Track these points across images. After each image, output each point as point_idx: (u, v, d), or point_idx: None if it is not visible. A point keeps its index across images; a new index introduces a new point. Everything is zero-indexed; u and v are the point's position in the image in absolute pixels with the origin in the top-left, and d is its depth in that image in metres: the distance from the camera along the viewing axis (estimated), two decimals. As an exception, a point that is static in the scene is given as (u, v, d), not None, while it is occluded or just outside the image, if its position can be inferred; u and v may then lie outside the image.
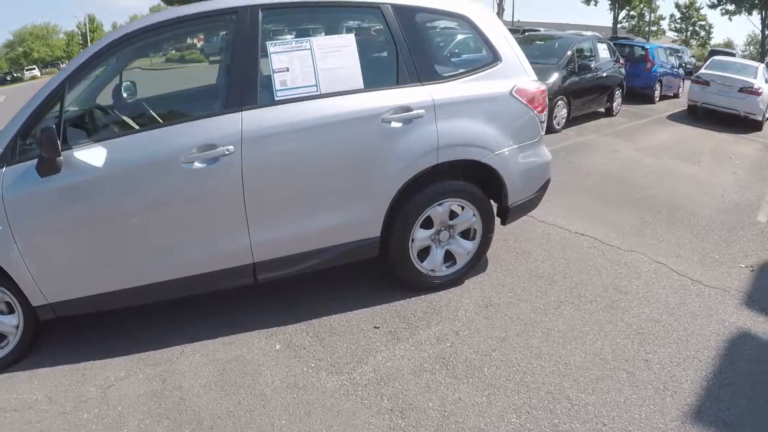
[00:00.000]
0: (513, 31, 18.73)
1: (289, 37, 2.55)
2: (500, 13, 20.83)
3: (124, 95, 3.00)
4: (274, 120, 2.34)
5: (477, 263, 3.07)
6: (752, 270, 3.53)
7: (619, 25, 38.28)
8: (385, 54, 2.82)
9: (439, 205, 2.77)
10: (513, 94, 2.79)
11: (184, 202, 2.30)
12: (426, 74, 2.62)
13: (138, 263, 2.33)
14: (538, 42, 9.35)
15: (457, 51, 3.10)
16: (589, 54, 8.68)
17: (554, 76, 7.56)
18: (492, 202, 3.00)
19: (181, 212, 2.31)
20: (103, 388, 2.21)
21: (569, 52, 8.09)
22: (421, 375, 2.32)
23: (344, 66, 2.47)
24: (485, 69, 2.78)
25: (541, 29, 17.63)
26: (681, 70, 13.29)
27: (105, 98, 2.88)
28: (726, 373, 2.41)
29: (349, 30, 2.69)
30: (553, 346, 2.55)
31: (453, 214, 2.89)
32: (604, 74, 8.82)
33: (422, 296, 2.93)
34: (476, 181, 2.86)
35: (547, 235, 3.85)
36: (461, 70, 2.80)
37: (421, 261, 2.88)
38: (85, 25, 52.07)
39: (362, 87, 2.50)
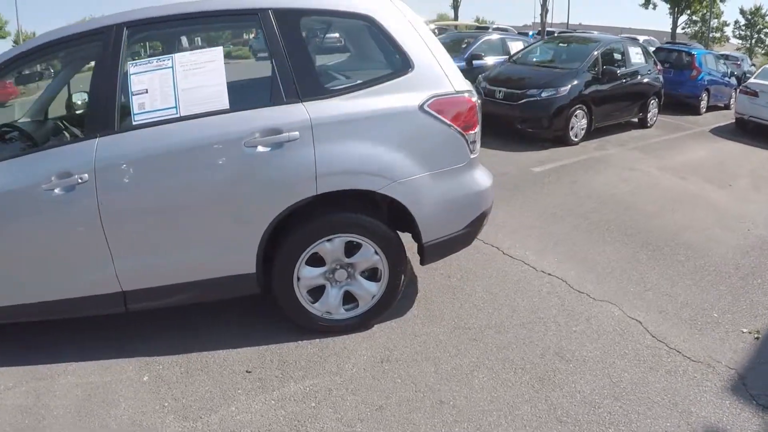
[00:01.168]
0: (565, 33, 17.61)
1: (154, 56, 2.34)
2: (543, 14, 19.68)
3: (75, 106, 3.04)
4: (127, 147, 2.21)
5: (389, 306, 2.57)
6: (757, 337, 2.77)
7: (681, 31, 35.70)
8: (260, 68, 2.49)
9: (328, 241, 2.33)
10: (425, 108, 2.28)
11: (47, 229, 2.27)
12: (307, 90, 2.25)
13: (11, 284, 2.31)
14: (561, 44, 8.54)
15: (356, 59, 2.62)
16: (618, 58, 7.84)
17: (572, 82, 6.85)
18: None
19: (46, 239, 2.28)
20: (-8, 395, 2.20)
21: (594, 55, 7.30)
22: (264, 440, 1.94)
23: (207, 84, 2.23)
24: (391, 79, 2.32)
25: (595, 32, 16.61)
26: (733, 79, 11.95)
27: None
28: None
29: (221, 43, 2.43)
30: (437, 425, 2.02)
31: (354, 250, 2.41)
32: (637, 80, 7.96)
33: (317, 340, 2.51)
34: (385, 214, 2.41)
35: (503, 273, 3.25)
36: (358, 82, 2.36)
37: (314, 301, 2.46)
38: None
39: (227, 107, 2.21)
